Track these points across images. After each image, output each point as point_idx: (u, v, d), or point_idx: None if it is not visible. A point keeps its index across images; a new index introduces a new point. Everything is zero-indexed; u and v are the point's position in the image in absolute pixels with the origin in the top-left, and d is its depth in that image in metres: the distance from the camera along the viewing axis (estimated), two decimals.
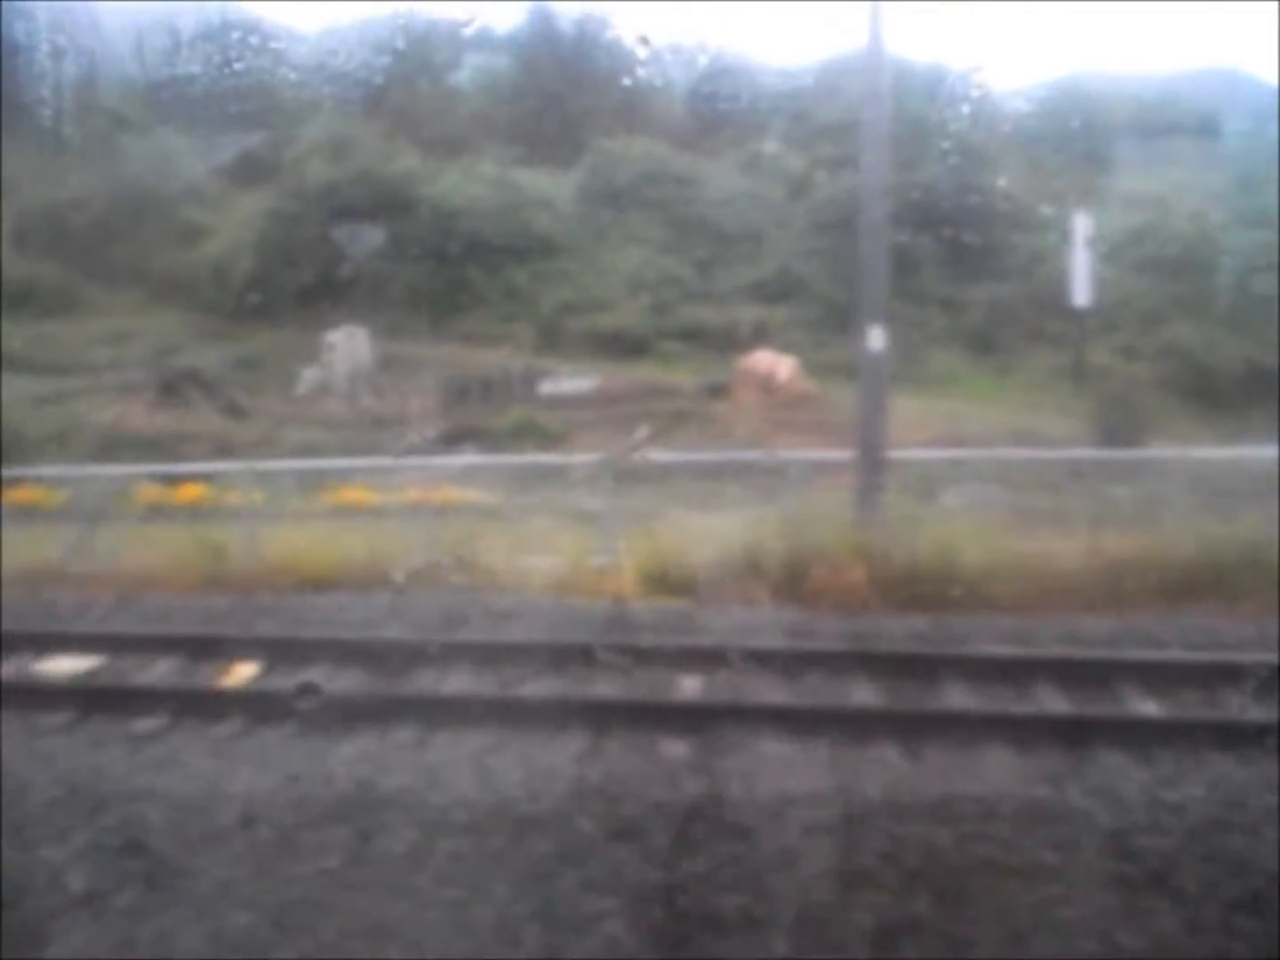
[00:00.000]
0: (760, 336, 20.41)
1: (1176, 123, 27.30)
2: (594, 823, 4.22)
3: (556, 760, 4.84)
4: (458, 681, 5.98)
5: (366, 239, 21.91)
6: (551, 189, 25.98)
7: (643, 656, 6.25)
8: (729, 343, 20.85)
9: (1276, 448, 10.39)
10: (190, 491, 12.76)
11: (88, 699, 5.74)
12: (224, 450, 16.43)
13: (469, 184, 25.43)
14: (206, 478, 13.59)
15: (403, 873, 4.05)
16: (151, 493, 12.79)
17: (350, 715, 5.39)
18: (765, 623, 7.12)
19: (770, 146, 27.60)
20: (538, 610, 7.45)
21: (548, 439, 15.22)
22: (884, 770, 4.74)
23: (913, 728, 5.10)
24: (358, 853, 4.14)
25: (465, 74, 33.04)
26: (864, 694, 5.72)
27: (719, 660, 6.14)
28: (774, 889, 3.93)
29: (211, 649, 6.66)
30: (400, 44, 25.28)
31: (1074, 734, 5.02)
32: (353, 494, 12.54)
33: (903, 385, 19.30)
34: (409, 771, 4.69)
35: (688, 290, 23.54)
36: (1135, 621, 7.14)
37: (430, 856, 4.10)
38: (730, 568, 8.50)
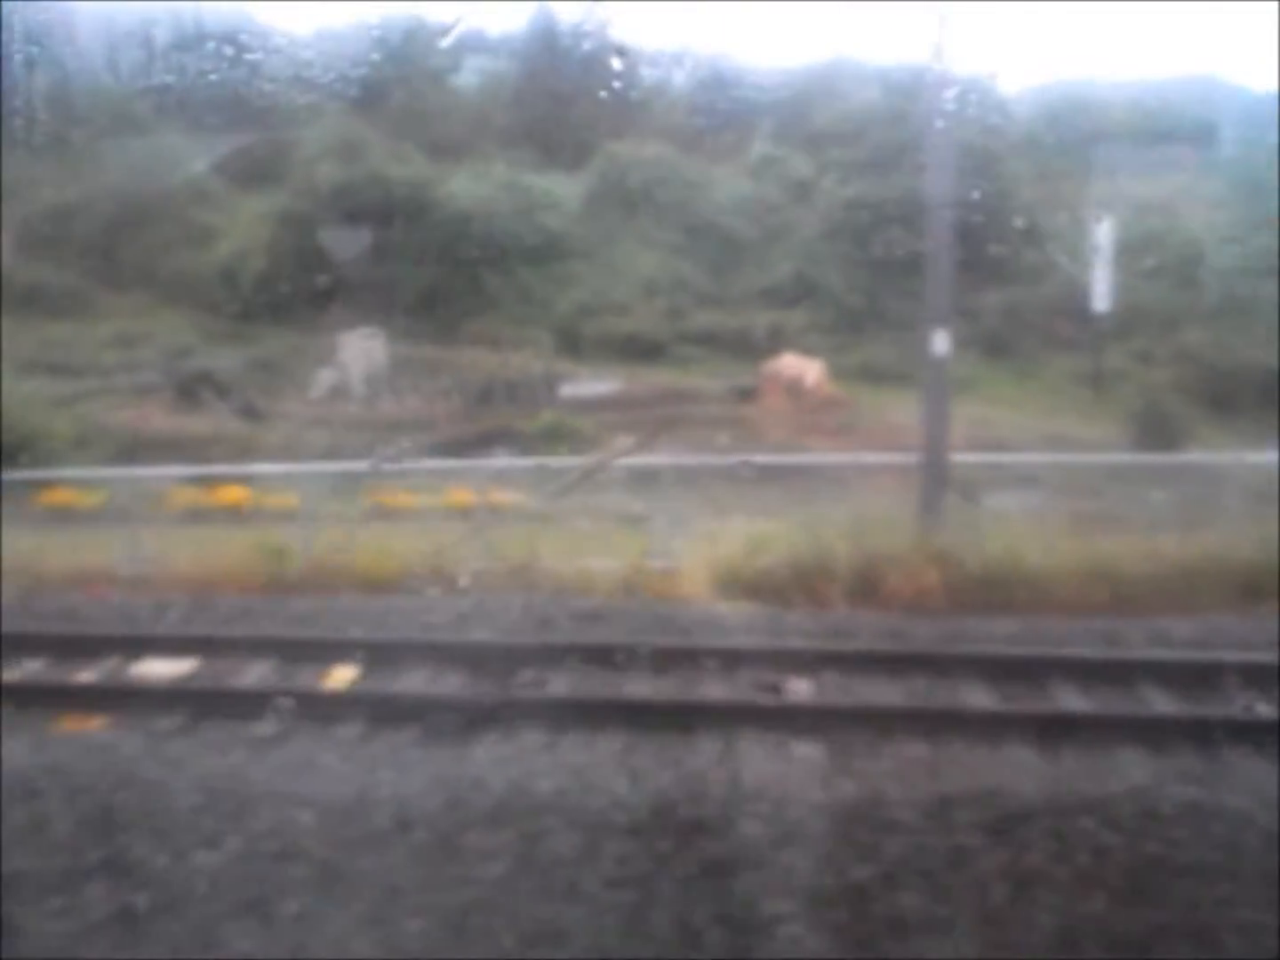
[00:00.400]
0: (776, 341, 20.47)
1: (1173, 129, 27.62)
2: (758, 825, 4.21)
3: (698, 762, 4.84)
4: (569, 683, 5.95)
5: (353, 243, 21.87)
6: (561, 192, 25.97)
7: (744, 659, 6.26)
8: (745, 347, 20.91)
9: None
10: (229, 494, 12.65)
11: (198, 702, 5.68)
12: (247, 452, 16.30)
13: (480, 187, 25.39)
14: (237, 480, 13.50)
15: (571, 876, 4.03)
16: (187, 495, 12.69)
17: (472, 718, 5.36)
18: (853, 625, 7.13)
19: (774, 150, 27.73)
20: (621, 613, 7.43)
21: (581, 441, 15.20)
22: (1026, 771, 4.76)
23: (1040, 729, 5.12)
24: (523, 856, 4.12)
25: (465, 77, 33.04)
26: (979, 697, 5.74)
27: (824, 662, 6.15)
28: (950, 889, 3.93)
29: (302, 651, 6.61)
30: (396, 46, 25.30)
31: (1200, 734, 5.05)
32: (392, 496, 12.47)
33: (915, 388, 19.50)
34: (555, 774, 4.67)
35: (699, 294, 23.60)
36: (1216, 623, 7.20)
37: (597, 859, 4.08)
38: (799, 570, 8.53)
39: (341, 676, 6.24)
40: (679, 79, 32.45)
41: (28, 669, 6.44)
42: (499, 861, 4.08)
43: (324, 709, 5.60)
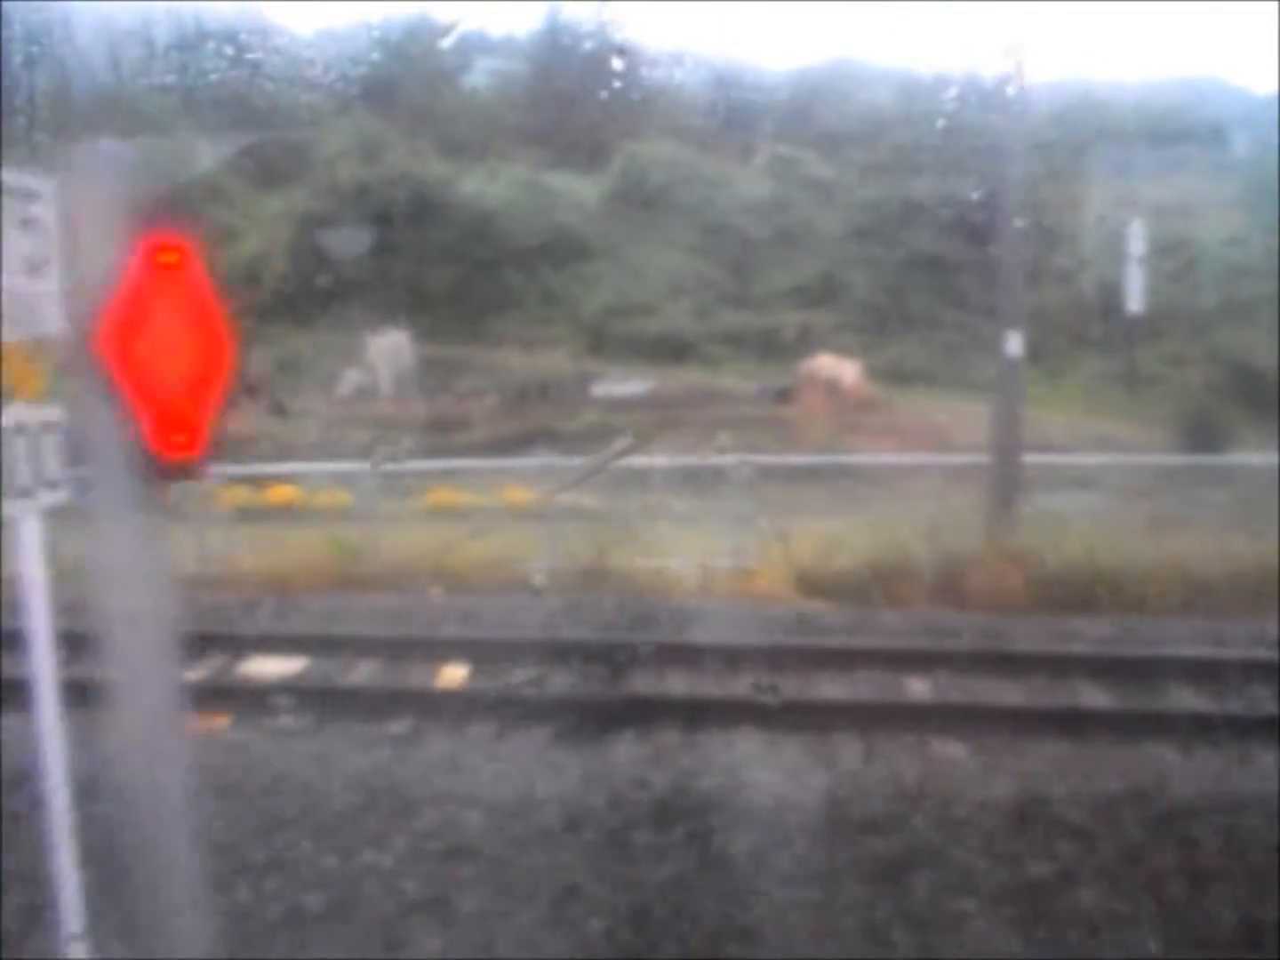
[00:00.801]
0: (805, 341, 20.48)
1: (1182, 131, 27.74)
2: (928, 822, 4.22)
3: (848, 761, 4.85)
4: (690, 683, 5.96)
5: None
6: (583, 192, 25.97)
7: (858, 659, 6.27)
8: (772, 347, 20.92)
9: None
10: (280, 493, 12.62)
11: (320, 700, 5.67)
12: (284, 451, 16.23)
13: (500, 186, 25.38)
14: (282, 479, 13.47)
15: (749, 874, 4.04)
16: (238, 494, 12.63)
17: (602, 717, 5.36)
18: (948, 625, 7.14)
19: (789, 151, 27.78)
20: (715, 613, 7.44)
21: (623, 441, 15.13)
22: (1174, 770, 4.78)
23: (1174, 729, 5.14)
24: (697, 855, 4.12)
25: (476, 77, 33.01)
26: (1098, 696, 5.76)
27: (936, 662, 6.17)
28: (1128, 887, 3.95)
29: (405, 650, 6.60)
30: (405, 45, 25.29)
31: None
32: (446, 495, 12.44)
33: (955, 389, 19.54)
34: (707, 773, 4.67)
35: (723, 294, 23.59)
36: None
37: (774, 857, 4.08)
38: (879, 570, 8.54)
39: (454, 675, 6.24)
40: (687, 79, 32.47)
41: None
42: (672, 860, 4.09)
43: (448, 707, 5.59)
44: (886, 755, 4.95)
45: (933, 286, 21.83)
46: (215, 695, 5.89)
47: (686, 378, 19.45)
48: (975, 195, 21.91)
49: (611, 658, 6.21)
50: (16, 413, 2.92)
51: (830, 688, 5.90)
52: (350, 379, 21.26)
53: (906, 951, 3.74)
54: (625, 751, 5.05)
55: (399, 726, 5.36)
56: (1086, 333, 19.29)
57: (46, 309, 3.11)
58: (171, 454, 2.06)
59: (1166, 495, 11.71)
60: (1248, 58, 46.84)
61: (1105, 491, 11.77)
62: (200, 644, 6.68)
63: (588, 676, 6.14)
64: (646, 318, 22.08)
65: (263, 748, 5.15)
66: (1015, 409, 9.20)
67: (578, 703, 5.54)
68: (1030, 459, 13.07)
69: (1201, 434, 14.40)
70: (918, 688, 5.91)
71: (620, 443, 15.32)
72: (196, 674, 6.32)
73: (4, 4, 13.22)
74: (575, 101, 28.49)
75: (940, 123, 18.81)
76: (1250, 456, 13.26)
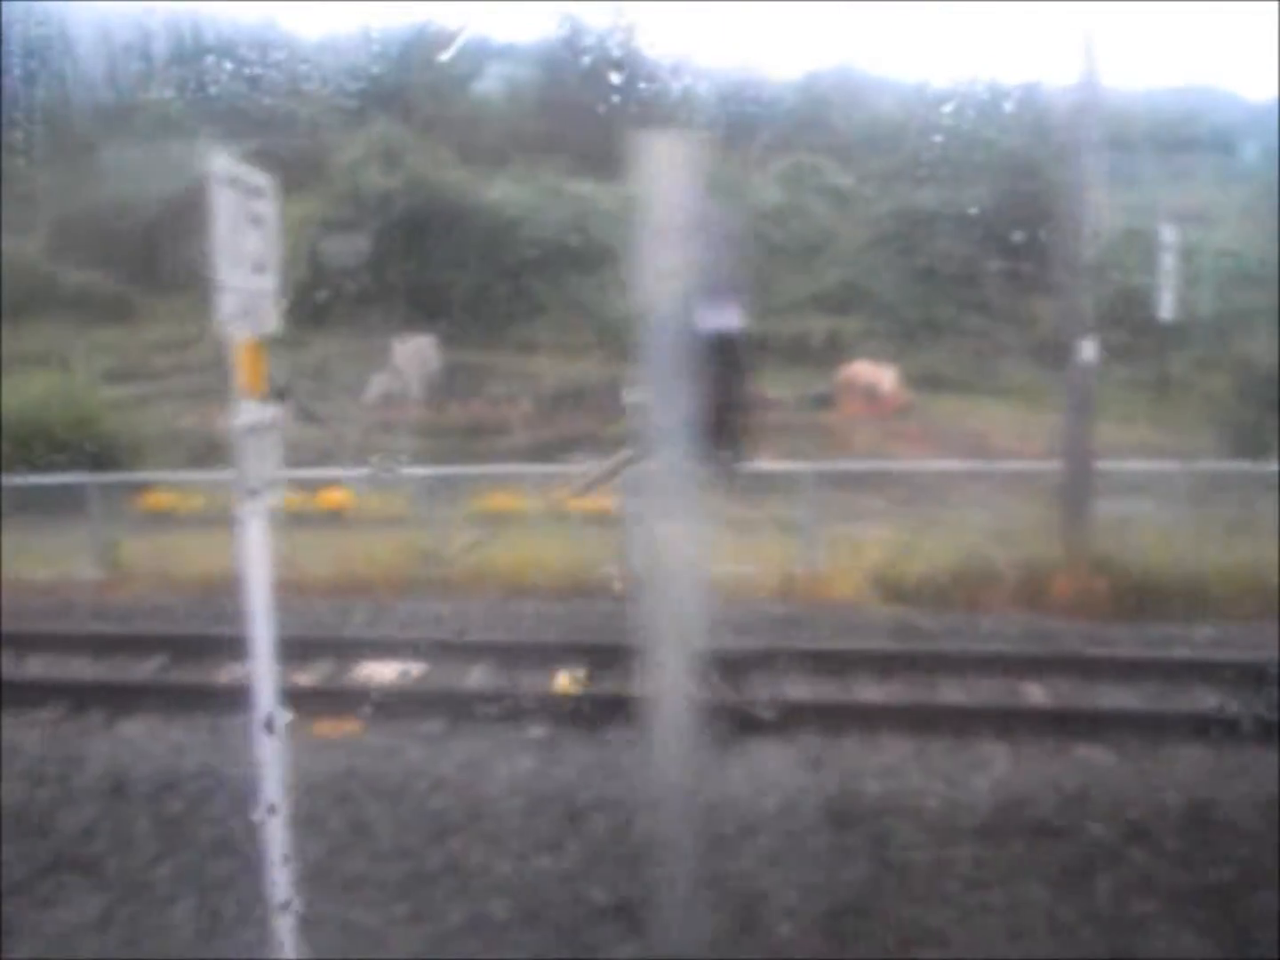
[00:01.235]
0: (834, 348, 20.55)
1: (1192, 138, 27.95)
2: (1106, 827, 4.24)
3: (999, 767, 4.87)
4: (811, 688, 5.97)
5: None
6: (604, 198, 26.00)
7: (969, 664, 6.29)
8: (800, 353, 20.95)
9: None
10: (330, 497, 12.60)
11: (445, 704, 5.67)
12: (324, 456, 16.21)
13: (523, 193, 25.42)
14: (324, 484, 13.45)
15: (932, 878, 4.05)
16: (290, 499, 12.60)
17: (737, 723, 5.36)
18: (1045, 631, 7.17)
19: (808, 158, 27.91)
20: (811, 619, 7.44)
21: None
22: None
23: None
24: (879, 858, 4.13)
25: (488, 83, 33.05)
26: (1224, 701, 5.79)
27: (1052, 667, 6.20)
28: None
29: (513, 654, 6.60)
30: (416, 51, 25.31)
31: None
32: (500, 500, 12.43)
33: (987, 396, 19.63)
34: (867, 777, 4.68)
35: (748, 301, 23.62)
36: None
37: (953, 861, 4.10)
38: (958, 575, 8.58)
39: (569, 679, 6.24)
40: (699, 86, 32.58)
41: (244, 672, 6.38)
42: (857, 863, 4.10)
43: (575, 711, 5.59)
44: (1033, 759, 4.97)
45: (955, 294, 21.93)
46: (339, 700, 5.88)
47: None
48: (1002, 205, 22.16)
49: (721, 664, 6.21)
50: (248, 413, 2.93)
51: (950, 693, 5.92)
52: (377, 384, 21.24)
53: (1098, 952, 3.75)
54: (775, 756, 5.05)
55: (536, 731, 5.36)
56: (1115, 339, 19.39)
57: (267, 307, 3.12)
58: None
59: (1222, 501, 11.73)
60: (1241, 64, 47.14)
61: (1163, 498, 11.80)
62: (303, 649, 6.67)
63: (703, 682, 6.13)
64: None
65: (412, 753, 5.13)
66: (1087, 414, 9.25)
67: (725, 709, 5.53)
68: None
69: (1240, 440, 14.46)
70: (1037, 692, 5.94)
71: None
72: (307, 679, 6.33)
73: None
74: (589, 108, 28.56)
75: (961, 131, 18.94)
76: None
